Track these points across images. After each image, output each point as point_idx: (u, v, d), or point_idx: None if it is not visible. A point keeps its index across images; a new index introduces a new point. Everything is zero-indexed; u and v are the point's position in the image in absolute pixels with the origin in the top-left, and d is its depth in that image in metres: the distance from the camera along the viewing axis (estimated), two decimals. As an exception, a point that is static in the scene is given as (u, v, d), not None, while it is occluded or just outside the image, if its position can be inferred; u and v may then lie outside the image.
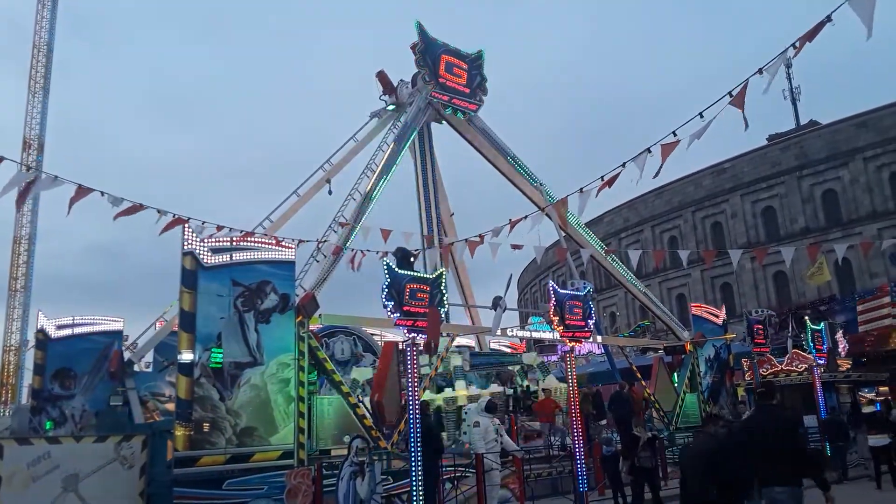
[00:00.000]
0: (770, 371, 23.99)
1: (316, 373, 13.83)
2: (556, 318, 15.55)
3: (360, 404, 13.67)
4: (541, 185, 19.35)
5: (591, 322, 16.56)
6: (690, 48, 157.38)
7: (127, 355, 17.48)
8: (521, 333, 19.89)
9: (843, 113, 44.54)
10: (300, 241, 12.70)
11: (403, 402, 13.36)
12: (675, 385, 21.24)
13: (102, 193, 9.88)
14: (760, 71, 8.70)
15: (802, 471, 6.43)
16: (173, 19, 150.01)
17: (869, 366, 25.97)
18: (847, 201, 42.53)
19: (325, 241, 13.99)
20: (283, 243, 12.73)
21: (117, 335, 17.68)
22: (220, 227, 11.48)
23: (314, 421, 13.44)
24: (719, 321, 22.41)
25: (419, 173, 20.12)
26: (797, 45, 8.34)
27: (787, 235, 43.66)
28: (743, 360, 23.97)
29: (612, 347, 22.08)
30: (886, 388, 25.82)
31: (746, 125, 8.66)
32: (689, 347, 21.08)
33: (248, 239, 12.40)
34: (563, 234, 19.05)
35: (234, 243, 12.24)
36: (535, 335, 18.85)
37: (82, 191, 9.93)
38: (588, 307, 16.38)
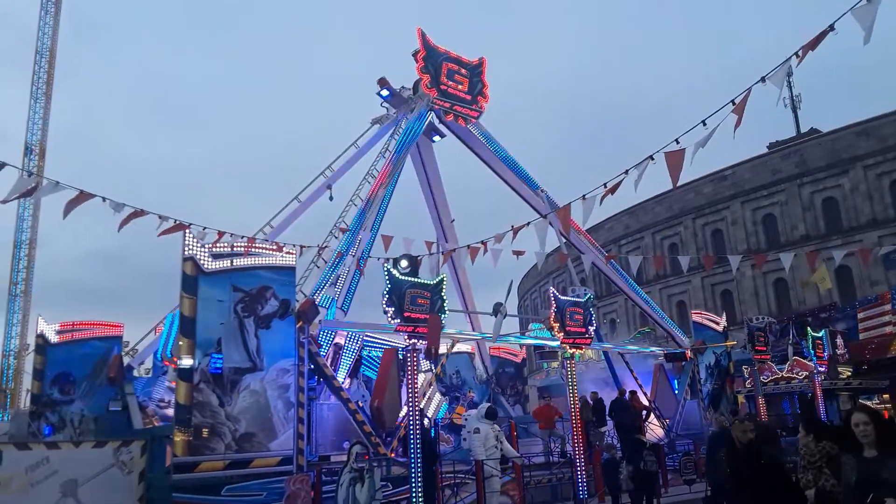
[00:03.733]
0: (770, 378, 23.96)
1: (315, 378, 13.82)
2: (556, 325, 15.57)
3: (360, 410, 13.65)
4: (542, 191, 19.37)
5: (591, 329, 16.57)
6: (692, 57, 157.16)
7: (126, 360, 17.46)
8: (521, 340, 19.90)
9: (844, 121, 44.53)
10: (302, 248, 12.69)
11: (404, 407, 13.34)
12: (676, 392, 21.22)
13: (104, 199, 9.86)
14: (763, 80, 8.69)
15: None
16: (176, 23, 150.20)
17: (869, 373, 25.93)
18: (847, 209, 42.53)
19: (326, 246, 13.99)
20: (285, 249, 12.74)
21: (117, 340, 17.65)
22: (221, 233, 11.46)
23: (313, 427, 13.42)
24: (720, 328, 22.40)
25: (428, 180, 20.19)
26: (799, 53, 8.33)
27: (788, 243, 43.63)
28: (743, 367, 23.94)
29: (611, 354, 22.04)
30: (888, 396, 25.78)
31: (736, 126, 8.69)
32: (689, 354, 21.06)
33: (251, 245, 12.40)
34: (565, 240, 19.06)
35: (235, 248, 12.25)
36: (536, 342, 18.86)
37: (83, 196, 9.93)
38: (589, 314, 16.39)
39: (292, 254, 12.79)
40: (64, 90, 69.41)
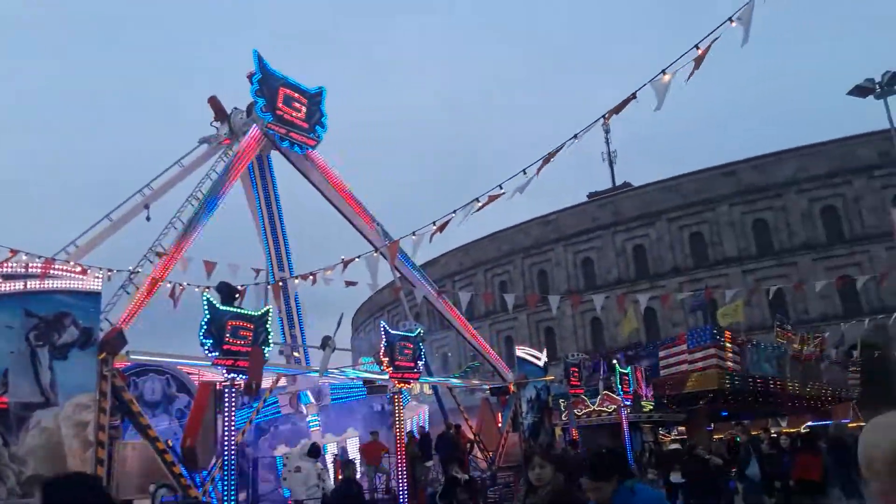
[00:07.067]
0: (584, 411, 25.51)
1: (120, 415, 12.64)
2: (385, 359, 15.51)
3: (169, 450, 12.64)
4: (377, 224, 19.40)
5: (420, 363, 16.69)
6: (533, 111, 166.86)
7: None
8: (350, 373, 19.55)
9: (653, 177, 49.75)
10: (110, 271, 11.64)
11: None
12: (500, 425, 21.90)
13: None
14: (576, 136, 9.49)
15: None
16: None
17: (669, 407, 28.38)
18: (654, 257, 47.02)
19: (139, 271, 12.96)
20: (91, 273, 11.61)
21: None
22: (14, 251, 10.25)
23: (114, 468, 12.22)
24: (540, 363, 23.54)
25: (260, 206, 19.52)
26: (606, 116, 9.26)
27: (604, 285, 47.24)
28: (560, 400, 25.30)
29: (440, 388, 22.36)
30: (684, 427, 28.34)
31: (536, 172, 9.40)
32: (512, 388, 21.88)
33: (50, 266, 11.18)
34: (398, 274, 19.17)
35: (31, 269, 10.98)
36: (365, 375, 18.64)
37: None
38: (419, 348, 16.51)
39: (98, 278, 11.69)
40: None
